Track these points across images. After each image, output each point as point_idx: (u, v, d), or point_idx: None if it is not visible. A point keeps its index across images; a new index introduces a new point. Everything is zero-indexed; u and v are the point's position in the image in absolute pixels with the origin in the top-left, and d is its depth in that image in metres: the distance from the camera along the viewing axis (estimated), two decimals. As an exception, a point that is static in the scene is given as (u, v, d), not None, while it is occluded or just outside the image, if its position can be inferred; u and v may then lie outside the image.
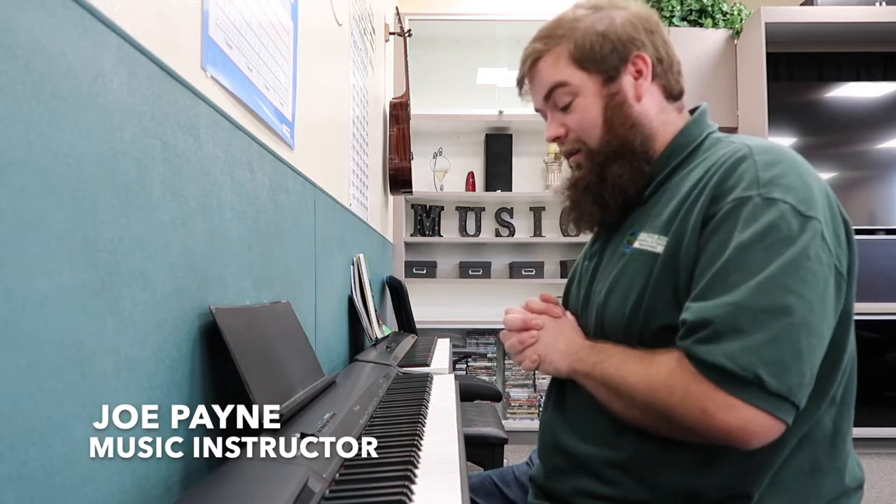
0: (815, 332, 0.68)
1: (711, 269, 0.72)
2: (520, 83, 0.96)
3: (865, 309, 2.94)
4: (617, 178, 0.87)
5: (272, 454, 0.66)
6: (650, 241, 0.82)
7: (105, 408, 0.52)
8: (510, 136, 3.67)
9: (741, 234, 0.71)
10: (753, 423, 0.67)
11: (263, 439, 0.70)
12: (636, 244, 0.84)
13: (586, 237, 1.02)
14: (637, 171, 0.87)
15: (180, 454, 0.65)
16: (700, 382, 0.69)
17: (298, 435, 0.72)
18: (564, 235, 3.60)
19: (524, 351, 0.90)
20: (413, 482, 0.65)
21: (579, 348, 0.87)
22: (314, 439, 0.71)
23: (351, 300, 1.72)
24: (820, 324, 0.69)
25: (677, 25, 3.43)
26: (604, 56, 0.86)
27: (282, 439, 0.71)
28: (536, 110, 0.96)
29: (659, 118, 0.88)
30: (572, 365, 0.86)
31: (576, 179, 0.92)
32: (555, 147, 3.63)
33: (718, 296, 0.70)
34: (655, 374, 0.74)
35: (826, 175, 3.22)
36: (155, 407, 0.60)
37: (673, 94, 0.91)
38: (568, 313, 0.95)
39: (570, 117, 0.90)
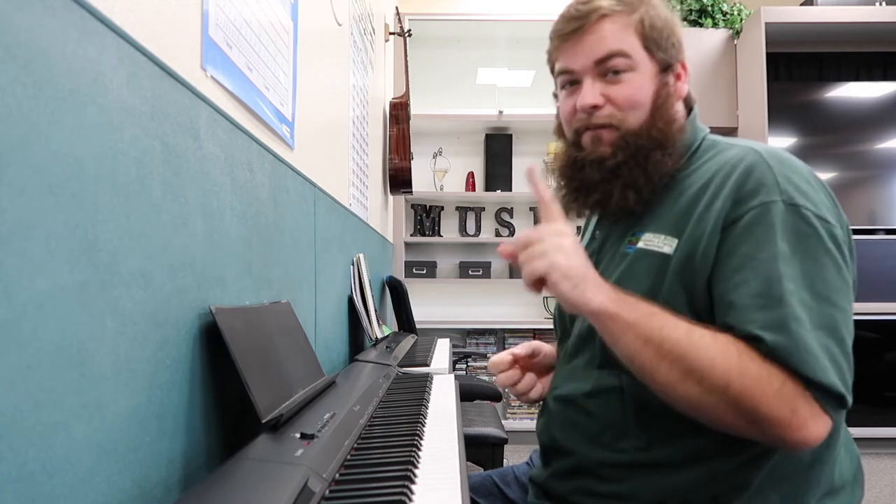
0: (851, 336, 0.72)
1: (749, 270, 0.72)
2: (567, 35, 0.86)
3: (865, 309, 2.94)
4: (659, 166, 0.84)
5: (272, 454, 0.66)
6: (656, 242, 0.81)
7: (105, 408, 0.52)
8: (510, 136, 3.67)
9: (781, 243, 0.72)
10: (826, 430, 0.69)
11: (263, 439, 0.70)
12: (640, 244, 0.83)
13: (580, 238, 1.00)
14: (676, 162, 0.85)
15: (180, 454, 0.65)
16: (795, 382, 0.68)
17: (298, 435, 0.72)
18: (564, 235, 3.60)
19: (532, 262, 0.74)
20: (413, 482, 0.65)
21: (615, 287, 0.76)
22: (314, 439, 0.71)
23: (351, 300, 1.72)
24: (852, 327, 0.73)
25: (677, 25, 3.43)
26: (666, 47, 0.86)
27: (282, 439, 0.71)
28: (564, 72, 0.88)
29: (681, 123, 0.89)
30: (612, 306, 0.73)
31: (599, 156, 0.85)
32: (555, 146, 3.62)
33: (777, 308, 0.70)
34: (749, 361, 0.69)
35: (826, 175, 3.22)
36: (155, 407, 0.60)
37: (690, 105, 0.92)
38: None
39: (617, 89, 0.84)
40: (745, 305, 0.72)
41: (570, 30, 0.85)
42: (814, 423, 0.68)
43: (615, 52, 0.83)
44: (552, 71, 0.92)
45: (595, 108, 0.85)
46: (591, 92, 0.85)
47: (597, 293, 0.73)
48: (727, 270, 0.74)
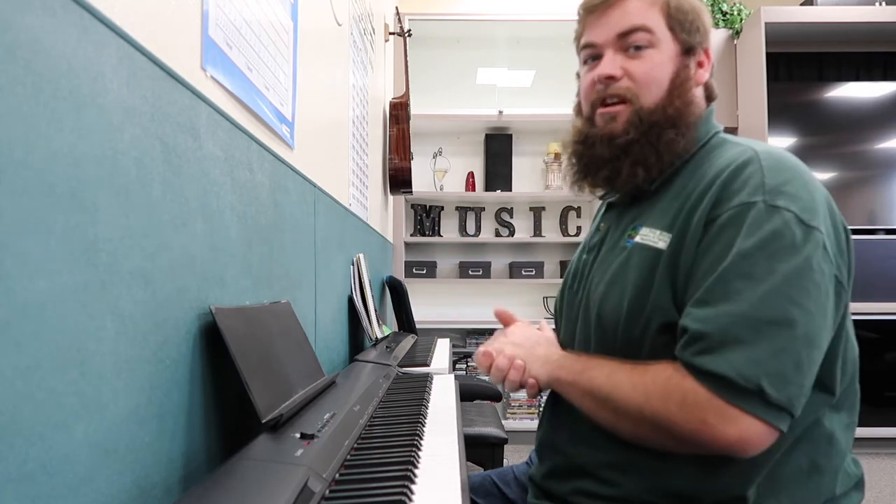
0: (815, 343, 0.69)
1: (713, 273, 0.72)
2: (593, 8, 0.87)
3: (865, 309, 2.94)
4: (670, 145, 0.83)
5: (272, 454, 0.66)
6: (652, 237, 0.81)
7: (105, 408, 0.52)
8: (510, 136, 3.67)
9: (744, 241, 0.71)
10: (752, 432, 0.68)
11: (263, 439, 0.70)
12: (638, 238, 0.83)
13: (580, 237, 1.01)
14: (689, 144, 0.85)
15: (180, 454, 0.65)
16: (698, 392, 0.69)
17: (298, 435, 0.72)
18: (564, 235, 3.60)
19: (509, 372, 0.88)
20: (413, 482, 0.65)
21: (560, 356, 0.87)
22: (314, 439, 0.71)
23: (351, 300, 1.72)
24: (820, 335, 0.70)
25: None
26: (691, 31, 0.86)
27: (282, 439, 0.71)
28: (588, 46, 0.89)
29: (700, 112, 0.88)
30: (554, 372, 0.85)
31: (610, 133, 0.85)
32: (555, 146, 3.63)
33: (720, 303, 0.70)
34: (651, 382, 0.73)
35: (826, 175, 3.22)
36: (155, 407, 0.60)
37: (712, 98, 0.92)
38: (545, 326, 0.99)
39: (636, 63, 0.85)
40: (693, 302, 0.73)
41: (597, 3, 0.87)
42: (730, 426, 0.67)
43: (638, 27, 0.84)
44: (577, 49, 0.93)
45: (612, 78, 0.85)
46: (610, 63, 0.85)
47: (543, 368, 0.87)
48: (699, 270, 0.74)
